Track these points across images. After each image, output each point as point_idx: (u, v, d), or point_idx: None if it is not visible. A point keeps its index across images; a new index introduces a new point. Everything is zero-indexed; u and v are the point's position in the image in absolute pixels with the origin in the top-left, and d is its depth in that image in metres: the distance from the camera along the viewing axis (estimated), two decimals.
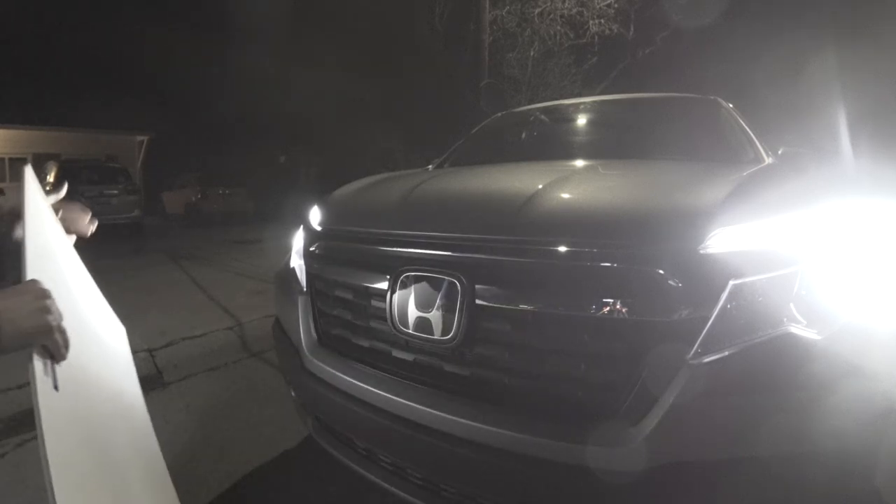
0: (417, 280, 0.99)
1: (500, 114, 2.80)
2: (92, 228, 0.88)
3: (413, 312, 0.99)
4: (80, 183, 7.93)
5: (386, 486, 1.07)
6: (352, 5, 11.17)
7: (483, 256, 0.95)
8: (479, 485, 0.92)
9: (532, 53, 9.53)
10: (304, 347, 1.23)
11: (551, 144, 2.28)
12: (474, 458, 0.88)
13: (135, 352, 0.97)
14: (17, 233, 0.70)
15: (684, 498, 0.82)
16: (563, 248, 0.89)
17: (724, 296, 0.80)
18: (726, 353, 0.78)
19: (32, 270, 0.61)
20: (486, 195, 1.27)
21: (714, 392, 0.78)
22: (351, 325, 1.18)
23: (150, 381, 2.34)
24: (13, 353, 0.57)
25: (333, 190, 1.63)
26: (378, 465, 1.11)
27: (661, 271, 0.82)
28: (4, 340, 0.54)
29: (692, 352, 0.79)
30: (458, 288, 0.93)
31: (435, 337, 0.95)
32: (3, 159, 13.32)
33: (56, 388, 0.58)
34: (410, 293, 0.99)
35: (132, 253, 6.71)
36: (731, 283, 0.81)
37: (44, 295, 0.59)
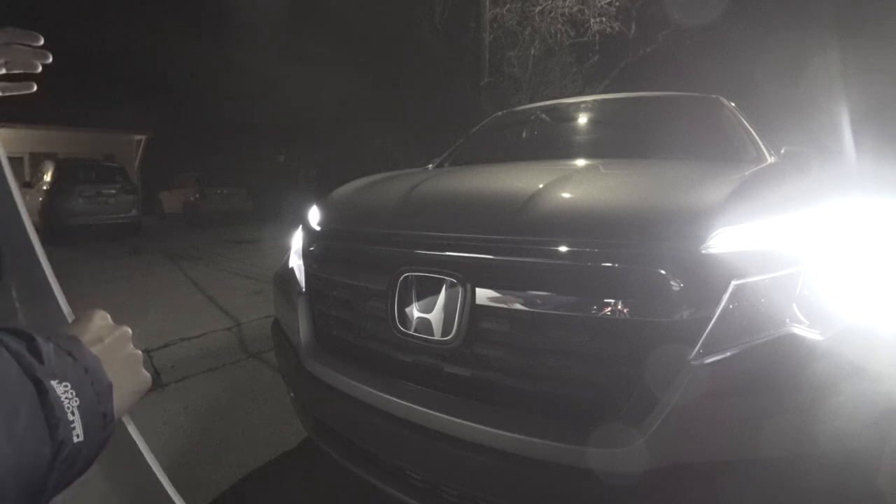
0: (418, 280, 0.99)
1: (500, 113, 2.79)
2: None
3: (413, 313, 0.98)
4: (77, 182, 7.96)
5: (385, 487, 1.07)
6: (352, 5, 11.15)
7: (484, 256, 0.95)
8: (479, 486, 0.92)
9: (533, 52, 9.52)
10: (304, 348, 1.22)
11: (552, 143, 2.27)
12: (474, 460, 0.87)
13: None
14: None
15: (686, 500, 0.81)
16: (564, 248, 0.89)
17: (725, 296, 0.79)
18: (728, 353, 0.77)
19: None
20: (487, 195, 1.27)
21: (716, 393, 0.77)
22: (350, 325, 1.17)
23: None
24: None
25: (332, 190, 1.62)
26: (377, 466, 1.10)
27: (662, 271, 0.81)
28: (114, 416, 0.36)
29: (694, 352, 0.78)
30: (459, 288, 0.92)
31: (435, 337, 0.95)
32: None
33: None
34: (410, 293, 0.99)
35: (130, 253, 6.69)
36: (734, 283, 0.80)
37: (126, 335, 0.42)
